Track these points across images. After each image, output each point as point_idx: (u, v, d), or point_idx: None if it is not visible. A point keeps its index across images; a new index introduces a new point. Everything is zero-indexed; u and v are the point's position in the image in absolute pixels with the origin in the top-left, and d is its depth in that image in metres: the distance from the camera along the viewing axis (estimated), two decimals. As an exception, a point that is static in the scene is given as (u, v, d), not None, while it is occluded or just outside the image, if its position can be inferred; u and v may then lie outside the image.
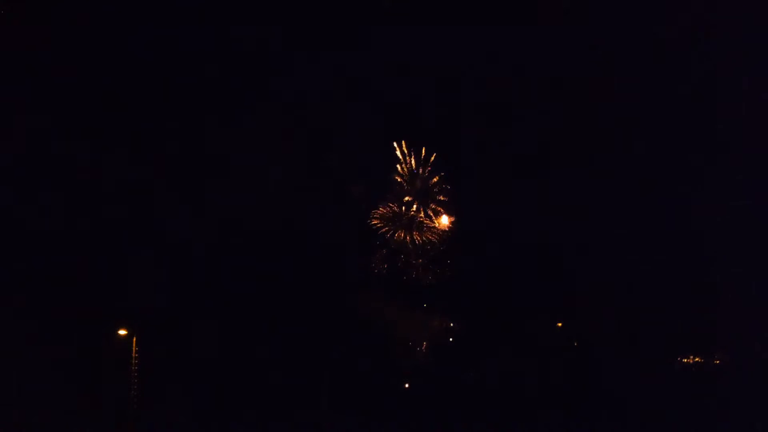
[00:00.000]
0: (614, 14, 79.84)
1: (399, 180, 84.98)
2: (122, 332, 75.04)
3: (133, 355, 75.10)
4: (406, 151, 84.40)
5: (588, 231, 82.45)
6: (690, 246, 79.97)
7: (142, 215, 79.20)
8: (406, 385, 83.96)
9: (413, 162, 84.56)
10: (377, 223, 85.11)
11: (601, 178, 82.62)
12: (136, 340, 75.16)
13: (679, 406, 77.82)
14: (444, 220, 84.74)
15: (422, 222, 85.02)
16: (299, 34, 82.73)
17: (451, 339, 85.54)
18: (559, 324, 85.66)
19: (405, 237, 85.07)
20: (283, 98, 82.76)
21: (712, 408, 76.02)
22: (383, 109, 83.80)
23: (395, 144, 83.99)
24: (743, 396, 75.80)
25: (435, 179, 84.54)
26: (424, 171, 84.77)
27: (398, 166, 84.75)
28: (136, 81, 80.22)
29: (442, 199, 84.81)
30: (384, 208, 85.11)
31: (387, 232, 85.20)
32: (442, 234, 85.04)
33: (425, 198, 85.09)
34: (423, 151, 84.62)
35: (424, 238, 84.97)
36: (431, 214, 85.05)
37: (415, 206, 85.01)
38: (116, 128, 79.74)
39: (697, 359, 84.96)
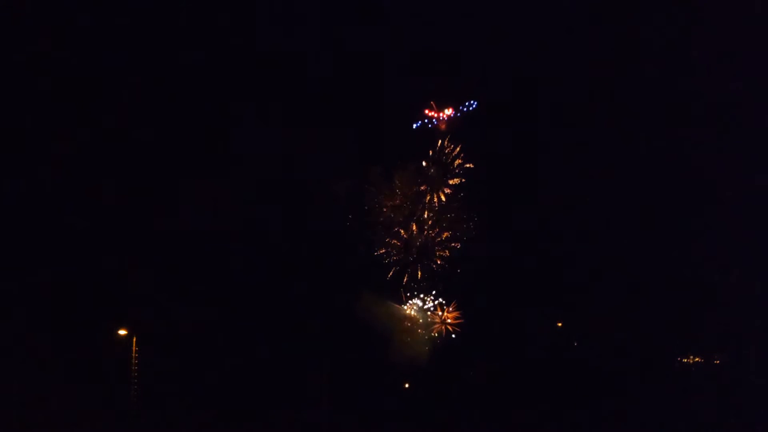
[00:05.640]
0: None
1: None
2: (122, 332, 75.05)
3: (133, 355, 75.13)
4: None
5: (589, 231, 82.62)
6: (690, 247, 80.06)
7: (142, 216, 79.38)
8: (406, 385, 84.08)
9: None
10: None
11: (602, 179, 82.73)
12: (136, 340, 75.18)
13: (679, 406, 77.83)
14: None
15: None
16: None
17: (452, 338, 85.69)
18: (559, 324, 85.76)
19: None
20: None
21: (712, 408, 76.00)
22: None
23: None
24: (743, 396, 75.83)
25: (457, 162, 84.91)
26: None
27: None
28: (134, 81, 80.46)
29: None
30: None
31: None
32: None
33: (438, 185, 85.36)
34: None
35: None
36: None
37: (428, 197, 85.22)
38: (115, 129, 79.94)
39: (697, 359, 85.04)
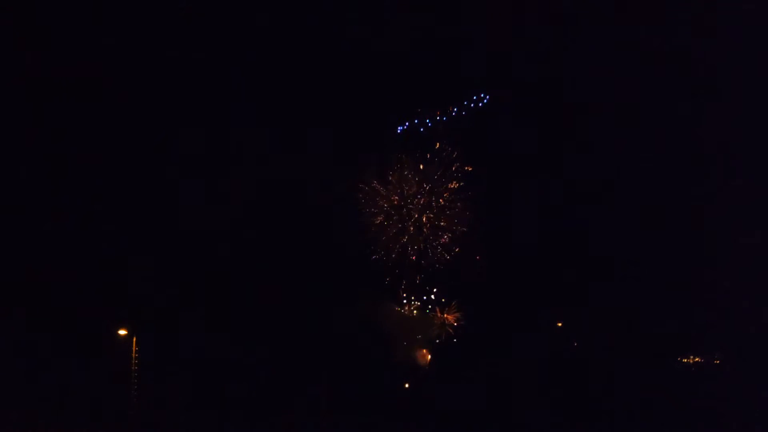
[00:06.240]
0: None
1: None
2: (122, 332, 74.97)
3: (133, 355, 75.06)
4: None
5: (588, 231, 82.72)
6: (690, 246, 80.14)
7: (142, 215, 79.40)
8: (406, 385, 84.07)
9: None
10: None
11: (602, 179, 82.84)
12: (136, 340, 75.11)
13: (679, 405, 77.89)
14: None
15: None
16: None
17: (452, 339, 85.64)
18: (559, 324, 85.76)
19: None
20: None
21: (712, 408, 76.04)
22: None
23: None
24: (743, 396, 75.87)
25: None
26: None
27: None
28: (133, 79, 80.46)
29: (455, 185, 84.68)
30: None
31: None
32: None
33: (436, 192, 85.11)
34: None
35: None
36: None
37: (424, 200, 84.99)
38: (114, 128, 79.96)
39: (697, 359, 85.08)
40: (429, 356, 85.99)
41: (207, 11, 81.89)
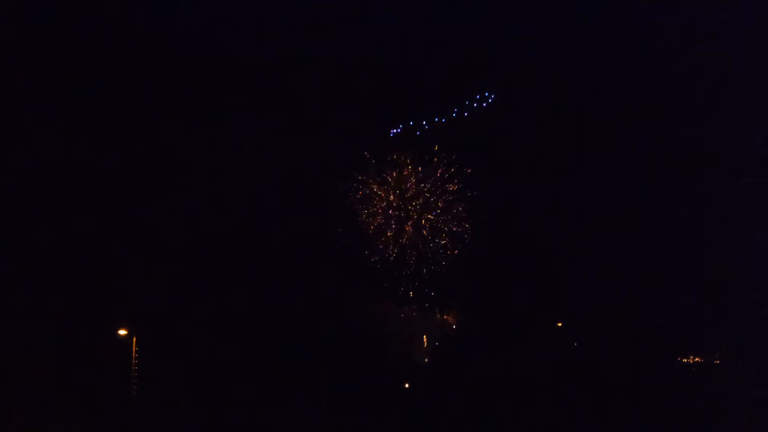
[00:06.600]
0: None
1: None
2: (122, 332, 74.92)
3: (133, 355, 74.99)
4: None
5: (588, 231, 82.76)
6: (690, 246, 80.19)
7: (142, 214, 79.37)
8: (406, 385, 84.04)
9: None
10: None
11: (601, 178, 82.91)
12: (136, 340, 75.05)
13: (679, 405, 77.91)
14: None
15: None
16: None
17: (451, 338, 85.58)
18: (559, 324, 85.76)
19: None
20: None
21: (712, 408, 76.06)
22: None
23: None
24: (743, 396, 75.90)
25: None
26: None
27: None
28: (133, 78, 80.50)
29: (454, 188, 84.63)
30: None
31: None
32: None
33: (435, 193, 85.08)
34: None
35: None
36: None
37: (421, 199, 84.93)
38: (114, 128, 79.94)
39: (697, 359, 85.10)
40: (428, 356, 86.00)
41: (207, 11, 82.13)
